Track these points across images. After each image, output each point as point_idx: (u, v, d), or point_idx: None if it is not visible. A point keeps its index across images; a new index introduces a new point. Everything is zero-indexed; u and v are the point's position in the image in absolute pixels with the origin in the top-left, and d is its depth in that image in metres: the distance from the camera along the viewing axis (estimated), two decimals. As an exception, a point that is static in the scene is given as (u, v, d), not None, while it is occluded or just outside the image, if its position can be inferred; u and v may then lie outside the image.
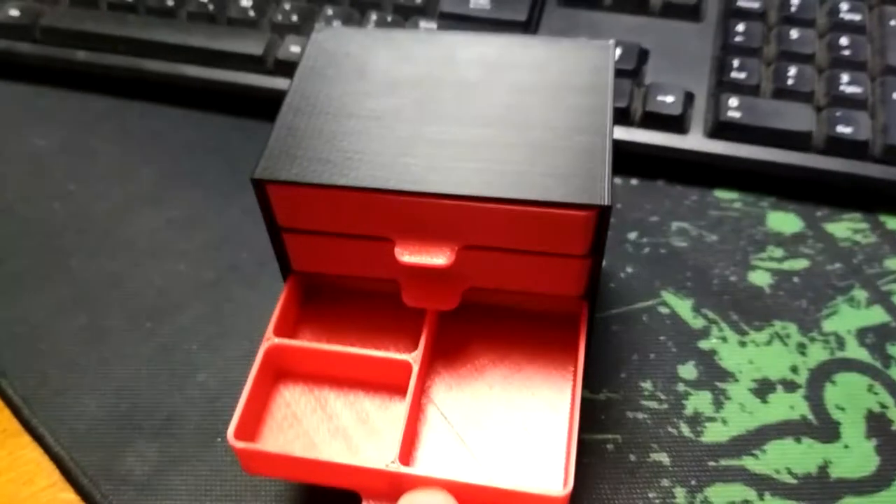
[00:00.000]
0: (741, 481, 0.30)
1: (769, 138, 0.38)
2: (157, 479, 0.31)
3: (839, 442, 0.31)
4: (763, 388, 0.32)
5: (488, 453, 0.28)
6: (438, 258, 0.27)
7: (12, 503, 0.31)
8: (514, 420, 0.28)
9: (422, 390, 0.29)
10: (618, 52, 0.41)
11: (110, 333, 0.35)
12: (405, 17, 0.43)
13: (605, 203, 0.25)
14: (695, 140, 0.39)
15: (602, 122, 0.27)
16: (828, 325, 0.34)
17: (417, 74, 0.29)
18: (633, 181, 0.40)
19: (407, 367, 0.28)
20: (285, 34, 0.43)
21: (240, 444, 0.26)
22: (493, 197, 0.25)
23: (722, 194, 0.39)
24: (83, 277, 0.37)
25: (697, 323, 0.35)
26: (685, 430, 0.31)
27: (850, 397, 0.32)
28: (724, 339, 0.34)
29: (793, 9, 0.42)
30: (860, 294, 0.35)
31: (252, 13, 0.44)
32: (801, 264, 0.36)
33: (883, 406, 0.32)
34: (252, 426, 0.28)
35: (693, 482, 0.30)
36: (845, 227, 0.38)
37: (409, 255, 0.27)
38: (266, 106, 0.40)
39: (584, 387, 0.32)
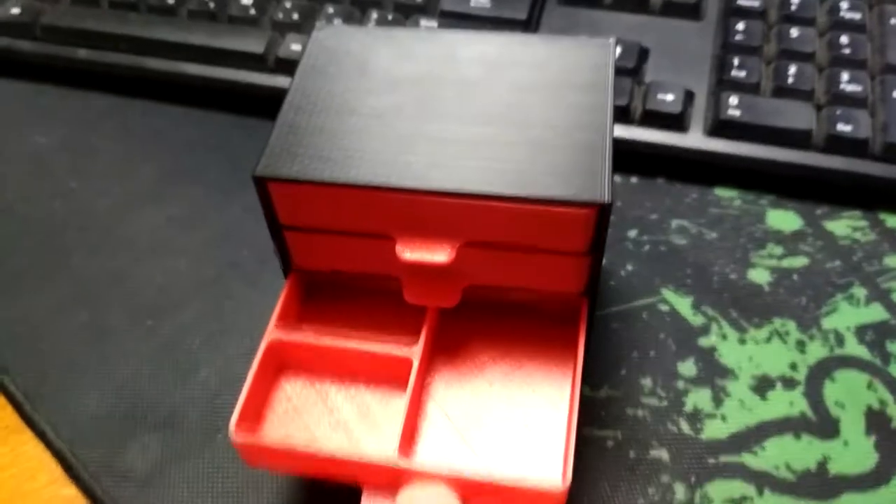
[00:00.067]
0: (740, 478, 0.30)
1: (769, 136, 0.38)
2: (159, 475, 0.31)
3: (838, 439, 0.31)
4: (762, 385, 0.33)
5: (488, 449, 0.28)
6: (439, 255, 0.27)
7: (14, 499, 0.31)
8: (514, 417, 0.29)
9: (422, 385, 0.29)
10: (618, 50, 0.41)
11: (111, 331, 0.35)
12: (406, 15, 0.44)
13: (606, 200, 0.25)
14: (695, 138, 0.39)
15: (602, 120, 0.27)
16: (827, 323, 0.34)
17: (418, 72, 0.29)
18: (633, 179, 0.40)
19: (407, 362, 0.28)
20: (286, 32, 0.43)
21: (241, 438, 0.26)
22: (494, 194, 0.26)
23: (722, 192, 0.39)
24: (84, 275, 0.37)
25: (697, 320, 0.35)
26: (685, 426, 0.32)
27: (849, 394, 0.32)
28: (723, 337, 0.34)
29: (793, 7, 0.42)
30: (859, 292, 0.35)
31: (253, 11, 0.44)
32: (800, 262, 0.36)
33: (882, 403, 0.32)
34: (253, 420, 0.28)
35: (693, 478, 0.30)
36: (845, 225, 0.38)
37: (410, 253, 0.27)
38: (267, 104, 0.40)
39: (585, 384, 0.33)
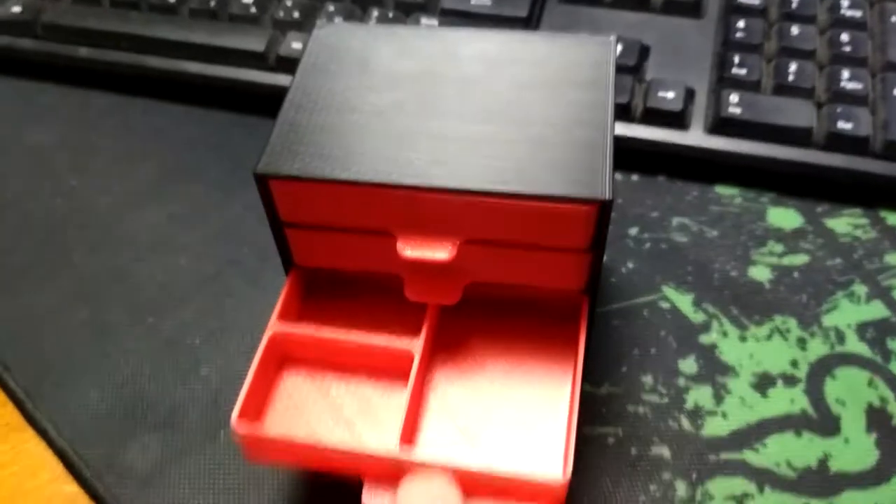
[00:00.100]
0: (741, 475, 0.30)
1: (770, 134, 0.38)
2: (160, 472, 0.31)
3: (839, 436, 0.31)
4: (763, 383, 0.33)
5: (488, 443, 0.28)
6: (440, 252, 0.27)
7: (16, 496, 0.31)
8: (514, 413, 0.29)
9: (423, 380, 0.29)
10: (619, 48, 0.41)
11: (112, 328, 0.35)
12: (406, 13, 0.44)
13: (607, 197, 0.25)
14: (695, 136, 0.39)
15: (603, 118, 0.27)
16: (828, 320, 0.34)
17: (419, 69, 0.29)
18: (634, 177, 0.40)
19: (408, 356, 0.28)
20: (287, 31, 0.43)
21: (243, 431, 0.26)
22: (495, 191, 0.26)
23: (722, 190, 0.39)
24: (85, 272, 0.37)
25: (698, 317, 0.35)
26: (686, 423, 0.32)
27: (850, 391, 0.32)
28: (724, 334, 0.34)
29: (793, 5, 0.42)
30: (860, 289, 0.35)
31: (254, 10, 0.44)
32: (801, 259, 0.36)
33: (883, 400, 0.32)
34: (255, 414, 0.28)
35: (694, 475, 0.30)
36: (845, 223, 0.38)
37: (411, 250, 0.27)
38: (268, 102, 0.40)
39: (586, 381, 0.33)
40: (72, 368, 0.34)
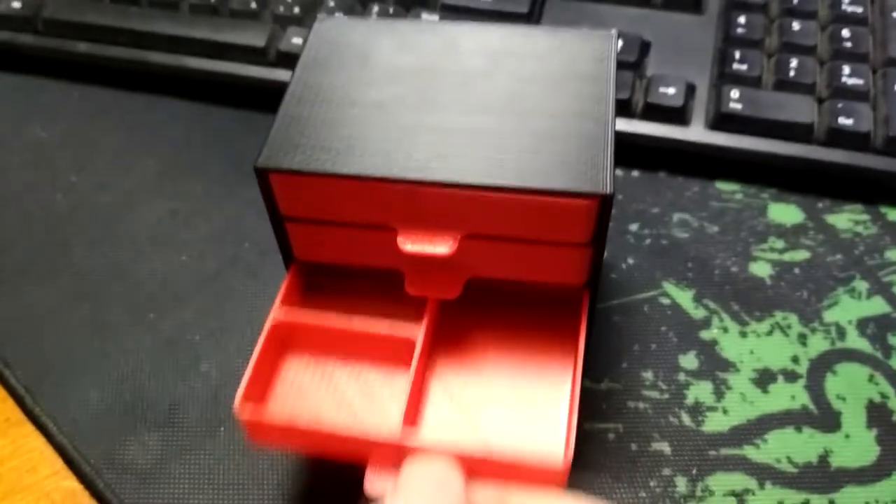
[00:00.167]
0: (742, 470, 0.30)
1: (770, 130, 0.38)
2: (160, 468, 0.31)
3: (840, 432, 0.31)
4: (764, 378, 0.33)
5: (490, 431, 0.28)
6: (441, 247, 0.27)
7: (15, 491, 0.31)
8: (514, 410, 0.29)
9: (424, 371, 0.29)
10: (619, 43, 0.41)
11: (113, 324, 0.35)
12: (407, 8, 0.44)
13: (607, 192, 0.25)
14: (696, 132, 0.39)
15: (604, 112, 0.27)
16: (829, 316, 0.34)
17: (419, 63, 0.29)
18: (635, 173, 0.40)
19: (410, 343, 0.28)
20: (287, 26, 0.43)
21: (246, 414, 0.26)
22: (496, 185, 0.26)
23: (723, 186, 0.39)
24: (86, 268, 0.37)
25: (698, 313, 0.35)
26: (686, 419, 0.32)
27: (850, 387, 0.32)
28: (724, 330, 0.34)
29: (794, 1, 0.42)
30: (861, 285, 0.35)
31: (254, 5, 0.44)
32: (802, 255, 0.36)
33: (884, 396, 0.32)
34: (258, 399, 0.28)
35: (694, 471, 0.30)
36: (846, 219, 0.38)
37: (411, 244, 0.27)
38: (268, 97, 0.40)
39: (586, 376, 0.32)
40: (72, 365, 0.34)
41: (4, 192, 0.41)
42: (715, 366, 0.33)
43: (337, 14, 0.43)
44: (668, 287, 0.35)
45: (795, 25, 0.41)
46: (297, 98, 0.29)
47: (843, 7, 0.41)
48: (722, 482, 0.30)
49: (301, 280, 0.31)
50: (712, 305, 0.35)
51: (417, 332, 0.28)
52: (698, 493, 0.30)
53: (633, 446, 0.31)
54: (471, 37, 0.30)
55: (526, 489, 0.25)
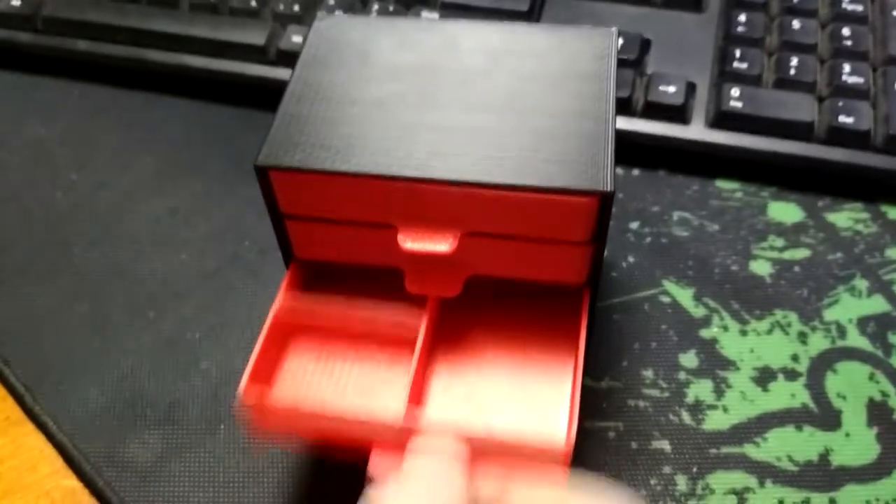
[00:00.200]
0: (742, 468, 0.30)
1: (771, 128, 0.38)
2: (160, 466, 0.31)
3: (840, 430, 0.31)
4: (764, 377, 0.33)
5: (492, 421, 0.28)
6: (441, 245, 0.27)
7: (15, 490, 0.31)
8: (515, 408, 0.29)
9: (426, 364, 0.29)
10: (620, 41, 0.41)
11: (113, 322, 0.35)
12: (407, 6, 0.43)
13: (608, 189, 0.25)
14: (696, 130, 0.39)
15: (604, 110, 0.27)
16: (829, 314, 0.34)
17: (420, 61, 0.29)
18: (635, 171, 0.40)
19: (410, 340, 0.28)
20: (287, 24, 0.43)
21: (252, 400, 0.26)
22: (496, 183, 0.26)
23: (723, 184, 0.39)
24: (86, 267, 0.37)
25: (698, 312, 0.35)
26: (686, 417, 0.32)
27: (851, 386, 0.32)
28: (725, 328, 0.34)
29: (794, -1, 0.42)
30: (861, 283, 0.35)
31: (254, 3, 0.44)
32: (802, 254, 0.36)
33: (884, 394, 0.32)
34: (262, 386, 0.29)
35: (694, 469, 0.30)
36: (846, 217, 0.38)
37: (411, 242, 0.27)
38: (268, 96, 0.40)
39: (586, 375, 0.32)
40: (72, 363, 0.34)
41: (4, 190, 0.41)
42: (715, 364, 0.33)
43: (337, 12, 0.43)
44: (669, 285, 0.35)
45: (796, 24, 0.41)
46: (297, 96, 0.29)
47: (844, 5, 0.41)
48: (722, 480, 0.30)
49: (301, 278, 0.31)
50: (712, 304, 0.35)
51: (418, 331, 0.28)
52: (699, 492, 0.30)
53: (634, 444, 0.31)
54: (471, 35, 0.30)
55: (529, 472, 0.25)
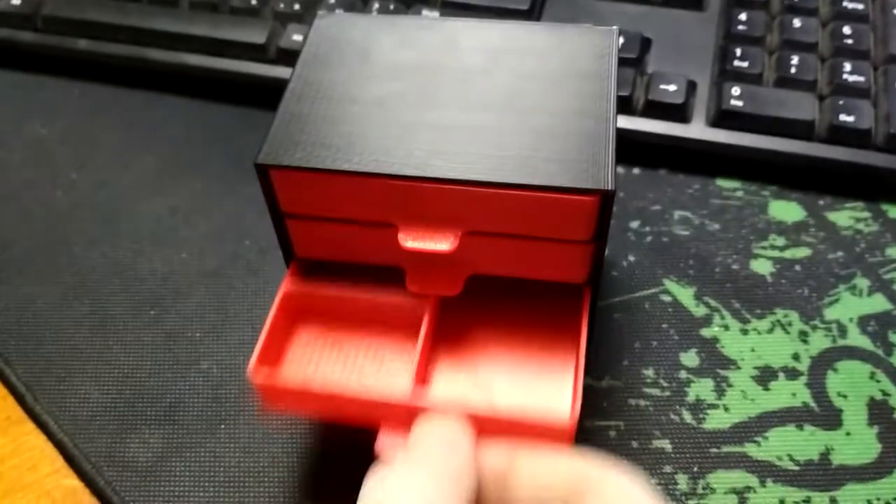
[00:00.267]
0: (743, 468, 0.30)
1: (771, 127, 0.38)
2: (161, 465, 0.31)
3: (841, 429, 0.31)
4: (765, 376, 0.33)
5: (497, 399, 0.28)
6: (442, 244, 0.27)
7: (16, 489, 0.31)
8: (519, 392, 0.29)
9: (430, 349, 0.29)
10: (620, 40, 0.40)
11: (113, 321, 0.35)
12: (407, 5, 0.43)
13: (609, 188, 0.25)
14: (697, 129, 0.39)
15: (605, 108, 0.27)
16: (829, 313, 0.34)
17: (420, 60, 0.29)
18: (636, 170, 0.40)
19: (420, 310, 0.28)
20: (287, 23, 0.43)
21: (260, 379, 0.27)
22: (497, 182, 0.25)
23: (724, 183, 0.39)
24: (86, 265, 0.37)
25: (699, 311, 0.35)
26: (687, 417, 0.32)
27: (851, 385, 0.32)
28: (725, 327, 0.34)
29: (795, -2, 0.42)
30: (862, 282, 0.35)
31: (254, 2, 0.44)
32: (802, 253, 0.36)
33: (885, 394, 0.32)
34: (270, 366, 0.29)
35: (695, 469, 0.30)
36: (847, 216, 0.38)
37: (412, 241, 0.27)
38: (268, 95, 0.40)
39: (587, 374, 0.32)
40: (73, 361, 0.34)
41: (4, 189, 0.41)
42: (716, 363, 0.33)
43: (337, 11, 0.43)
44: (669, 284, 0.35)
45: (796, 22, 0.41)
46: (297, 95, 0.28)
47: (844, 4, 0.41)
48: (723, 480, 0.30)
49: (301, 277, 0.31)
50: (713, 303, 0.35)
51: (422, 317, 0.28)
52: (699, 491, 0.30)
53: (634, 444, 0.31)
54: (471, 33, 0.30)
55: (534, 447, 0.25)
